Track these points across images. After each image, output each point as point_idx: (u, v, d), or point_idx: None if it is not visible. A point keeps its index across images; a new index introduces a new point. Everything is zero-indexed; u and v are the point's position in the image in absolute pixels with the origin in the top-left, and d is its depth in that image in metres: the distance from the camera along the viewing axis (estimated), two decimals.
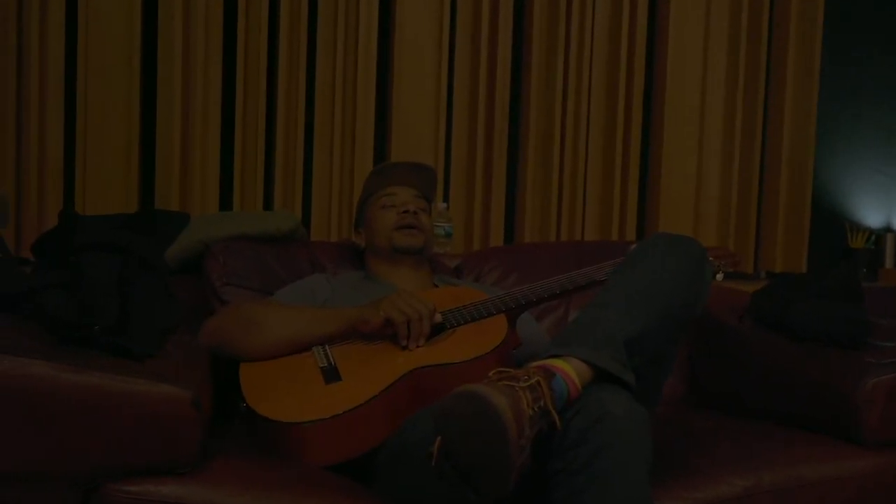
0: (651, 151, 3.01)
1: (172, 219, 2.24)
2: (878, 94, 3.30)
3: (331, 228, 2.73)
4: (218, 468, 1.38)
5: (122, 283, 1.62)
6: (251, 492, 1.33)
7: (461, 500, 1.17)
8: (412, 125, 2.82)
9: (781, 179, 3.04)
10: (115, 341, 1.43)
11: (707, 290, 1.50)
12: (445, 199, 2.81)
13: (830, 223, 3.22)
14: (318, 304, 1.84)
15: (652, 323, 1.39)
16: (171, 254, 2.10)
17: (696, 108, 2.99)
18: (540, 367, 1.25)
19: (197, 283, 2.06)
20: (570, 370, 1.27)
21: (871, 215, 3.31)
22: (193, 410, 1.32)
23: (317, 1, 2.72)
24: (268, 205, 2.71)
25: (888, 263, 3.24)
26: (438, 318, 1.63)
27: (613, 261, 1.71)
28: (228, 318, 1.71)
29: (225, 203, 2.68)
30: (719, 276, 1.75)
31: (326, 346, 1.64)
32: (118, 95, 2.59)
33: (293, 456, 1.44)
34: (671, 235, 1.53)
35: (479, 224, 2.87)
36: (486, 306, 1.68)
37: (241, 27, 2.64)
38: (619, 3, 2.92)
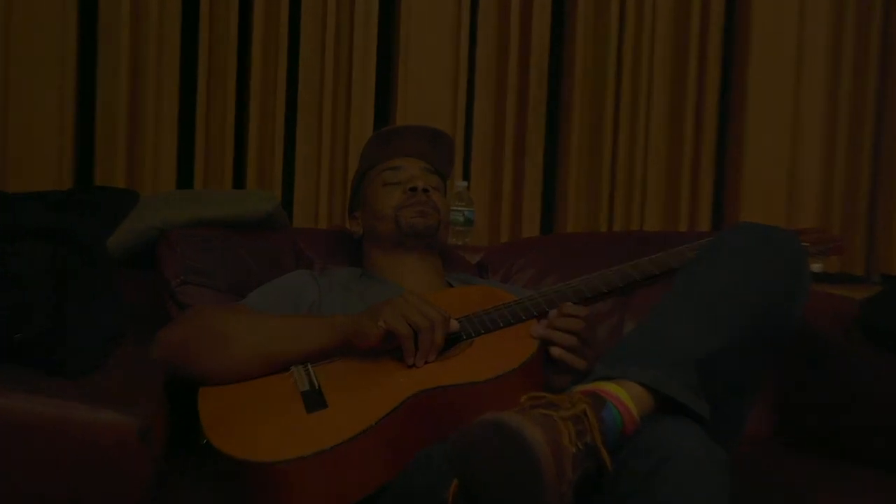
0: (731, 122, 2.99)
1: (117, 198, 2.25)
2: None
3: (319, 213, 2.73)
4: None
5: (56, 278, 1.62)
6: None
7: None
8: (423, 85, 2.81)
9: None
10: (43, 354, 1.43)
11: (805, 297, 1.49)
12: (465, 177, 2.80)
13: None
14: (303, 309, 1.85)
15: (732, 339, 1.39)
16: (116, 242, 2.11)
17: (790, 70, 2.96)
18: (587, 391, 1.25)
19: (148, 280, 2.07)
20: (625, 397, 1.27)
21: None
22: (141, 443, 1.32)
23: None
24: (238, 182, 2.71)
25: None
26: (455, 325, 1.63)
27: (695, 243, 1.70)
28: (188, 328, 1.72)
29: (184, 180, 2.68)
30: (816, 267, 1.74)
31: (308, 365, 1.64)
32: (49, 43, 2.59)
33: (269, 502, 1.44)
34: (759, 226, 1.53)
35: (509, 210, 2.86)
36: (513, 310, 1.68)
37: None
38: None
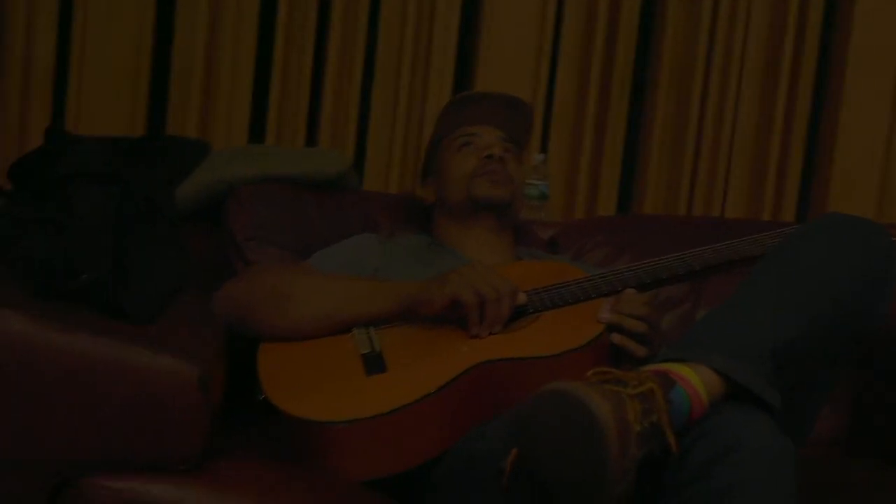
0: (825, 107, 2.94)
1: (188, 149, 2.29)
2: None
3: (390, 177, 2.74)
4: (224, 471, 1.41)
5: (119, 225, 1.66)
6: None
7: None
8: (506, 52, 2.80)
9: None
10: (107, 297, 1.47)
11: (891, 293, 1.47)
12: (543, 149, 2.80)
13: None
14: (366, 274, 1.86)
15: (811, 330, 1.38)
16: (184, 194, 2.14)
17: (890, 56, 2.91)
18: (656, 371, 1.25)
19: (215, 235, 2.10)
20: (695, 380, 1.26)
21: None
22: (200, 392, 1.35)
23: None
24: (311, 140, 2.73)
25: None
26: (523, 297, 1.64)
27: (775, 231, 1.69)
28: (251, 285, 1.75)
29: (256, 135, 2.70)
30: None
31: (370, 328, 1.66)
32: None
33: (322, 464, 1.47)
34: (847, 217, 1.52)
35: (586, 186, 2.85)
36: (583, 287, 1.68)
37: None
38: None
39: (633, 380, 1.19)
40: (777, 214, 2.88)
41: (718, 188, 2.88)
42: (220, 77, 2.67)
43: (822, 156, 2.93)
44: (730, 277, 1.68)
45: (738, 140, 2.89)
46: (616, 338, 1.57)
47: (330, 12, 2.69)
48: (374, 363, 1.57)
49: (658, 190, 2.88)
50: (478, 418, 1.50)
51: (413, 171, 2.74)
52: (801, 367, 1.38)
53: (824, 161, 2.92)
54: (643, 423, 1.15)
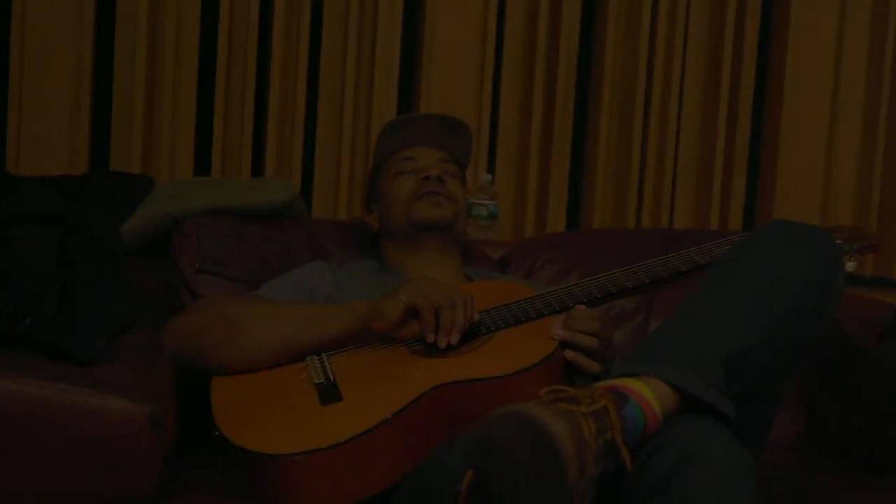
0: (766, 116, 2.98)
1: (132, 184, 2.27)
2: None
3: (338, 203, 2.74)
4: None
5: (63, 265, 1.64)
6: None
7: None
8: (448, 75, 2.81)
9: None
10: (53, 340, 1.45)
11: (839, 296, 1.48)
12: (490, 170, 2.80)
13: None
14: (318, 301, 1.85)
15: (762, 339, 1.38)
16: (130, 229, 2.12)
17: (828, 64, 2.95)
18: (608, 387, 1.25)
19: (162, 269, 2.08)
20: (648, 394, 1.27)
21: None
22: (151, 431, 1.33)
23: None
24: (257, 171, 2.72)
25: None
26: (476, 316, 1.64)
27: (722, 239, 1.70)
28: (200, 317, 1.73)
29: (201, 167, 2.69)
30: (850, 266, 1.73)
31: (323, 357, 1.65)
32: (66, 23, 2.61)
33: (281, 498, 1.45)
34: (791, 224, 1.53)
35: (534, 204, 2.86)
36: (534, 305, 1.68)
37: None
38: None
39: (587, 398, 1.19)
40: (724, 223, 2.91)
41: (665, 200, 2.90)
42: (161, 111, 2.65)
43: (766, 164, 2.96)
44: (681, 289, 1.69)
45: (683, 152, 2.92)
46: (569, 354, 1.57)
47: (270, 41, 2.69)
48: (328, 392, 1.56)
49: (606, 205, 2.90)
50: (435, 442, 1.49)
51: (360, 197, 2.73)
52: (752, 374, 1.38)
53: (768, 169, 2.95)
54: (598, 441, 1.15)
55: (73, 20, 2.61)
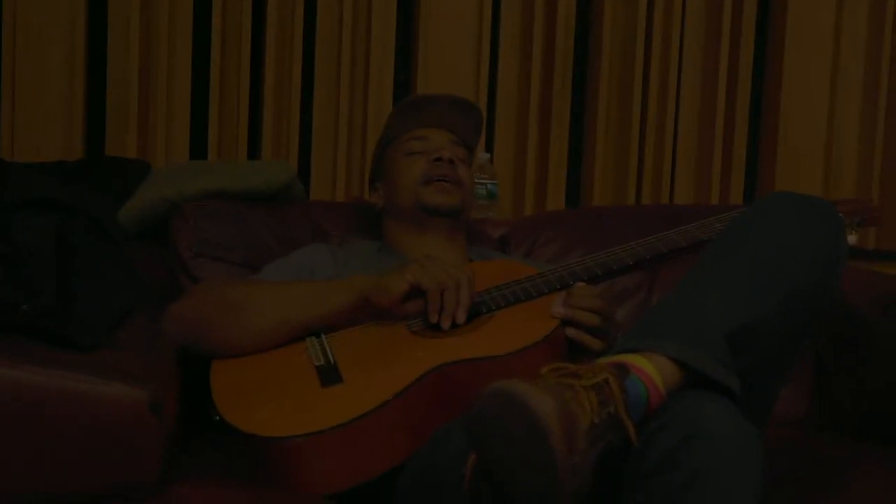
0: (766, 88, 2.97)
1: (129, 169, 2.27)
2: None
3: (336, 185, 2.73)
4: (184, 496, 1.40)
5: (62, 250, 1.64)
6: None
7: None
8: (445, 53, 2.80)
9: None
10: (52, 326, 1.45)
11: (842, 268, 1.48)
12: (488, 148, 2.80)
13: None
14: None
15: (766, 312, 1.38)
16: (127, 214, 2.13)
17: (829, 28, 2.94)
18: (611, 363, 1.25)
19: (161, 253, 2.09)
20: (650, 370, 1.26)
21: None
22: (152, 417, 1.33)
23: None
24: (254, 153, 2.72)
25: None
26: (474, 296, 1.64)
27: (723, 214, 1.70)
28: (200, 300, 1.73)
29: (197, 150, 2.68)
30: (852, 238, 1.73)
31: (323, 338, 1.66)
32: (58, 8, 2.60)
33: (284, 481, 1.46)
34: (794, 195, 1.53)
35: (533, 182, 2.85)
36: (535, 284, 1.69)
37: None
38: None
39: (587, 372, 1.19)
40: (725, 198, 2.91)
41: (665, 176, 2.90)
42: (156, 94, 2.64)
43: (767, 136, 2.95)
44: (683, 265, 1.69)
45: (683, 126, 2.91)
46: (571, 332, 1.58)
47: (265, 22, 2.68)
48: (329, 374, 1.56)
49: (606, 182, 2.89)
50: (438, 422, 1.49)
51: (359, 178, 2.73)
52: (757, 348, 1.38)
53: (769, 142, 2.95)
54: (600, 414, 1.15)
55: (66, 5, 2.60)
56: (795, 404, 2.08)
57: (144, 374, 1.41)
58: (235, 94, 2.68)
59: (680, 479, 1.19)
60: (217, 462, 1.55)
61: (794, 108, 2.94)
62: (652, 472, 1.21)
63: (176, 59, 2.66)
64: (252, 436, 1.46)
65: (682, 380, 1.29)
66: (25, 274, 1.55)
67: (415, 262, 1.64)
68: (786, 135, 2.93)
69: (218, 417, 1.52)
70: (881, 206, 2.84)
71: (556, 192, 2.86)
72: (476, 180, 2.48)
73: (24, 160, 2.43)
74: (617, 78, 2.88)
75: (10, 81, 2.58)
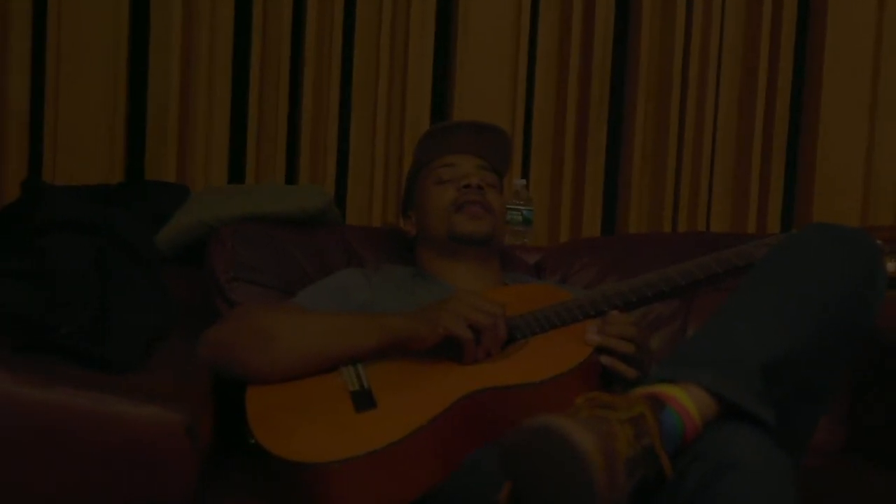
0: (804, 115, 2.96)
1: (167, 193, 2.29)
2: None
3: (373, 210, 2.74)
4: None
5: (99, 273, 1.65)
6: None
7: None
8: (482, 79, 2.81)
9: None
10: (88, 348, 1.46)
11: (881, 298, 1.47)
12: (524, 174, 2.80)
13: None
14: (353, 309, 1.86)
15: (802, 343, 1.37)
16: (165, 237, 2.14)
17: (867, 56, 2.93)
18: (646, 394, 1.24)
19: (197, 276, 2.10)
20: (686, 401, 1.26)
21: None
22: (187, 440, 1.34)
23: None
24: (291, 178, 2.73)
25: None
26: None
27: (759, 241, 1.68)
28: (236, 328, 1.73)
29: (235, 174, 2.70)
30: (891, 266, 1.71)
31: (357, 364, 1.65)
32: (100, 34, 2.63)
33: None
34: (831, 226, 1.52)
35: (569, 209, 2.85)
36: (569, 310, 1.68)
37: None
38: None
39: (623, 404, 1.19)
40: (762, 226, 2.89)
41: (702, 203, 2.88)
42: (196, 119, 2.66)
43: (804, 164, 2.93)
44: (719, 293, 1.67)
45: (719, 153, 2.90)
46: (605, 359, 1.56)
47: (303, 48, 2.70)
48: (363, 400, 1.56)
49: (642, 208, 2.88)
50: (472, 448, 1.49)
51: (395, 203, 2.74)
52: (793, 379, 1.37)
53: (806, 169, 2.93)
54: (635, 447, 1.14)
55: (108, 30, 2.63)
56: (832, 434, 2.06)
57: (179, 397, 1.41)
58: (274, 119, 2.70)
59: None
60: (248, 485, 1.55)
61: (832, 135, 2.92)
62: (686, 502, 1.20)
63: (215, 85, 2.68)
64: (287, 461, 1.45)
65: (718, 410, 1.28)
66: (62, 295, 1.57)
67: (447, 307, 1.61)
68: (824, 162, 2.91)
69: (253, 441, 1.52)
70: None
71: (591, 218, 2.86)
72: (512, 206, 2.47)
73: (66, 183, 2.46)
74: (653, 104, 2.88)
75: (53, 106, 2.61)
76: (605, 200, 2.88)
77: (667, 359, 1.37)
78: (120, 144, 2.65)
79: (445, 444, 1.48)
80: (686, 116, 2.87)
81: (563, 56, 2.84)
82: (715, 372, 1.29)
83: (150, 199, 2.24)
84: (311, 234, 2.19)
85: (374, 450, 1.43)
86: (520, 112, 2.81)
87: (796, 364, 1.37)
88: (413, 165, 2.11)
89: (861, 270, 1.45)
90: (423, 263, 2.04)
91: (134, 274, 1.74)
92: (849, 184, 2.93)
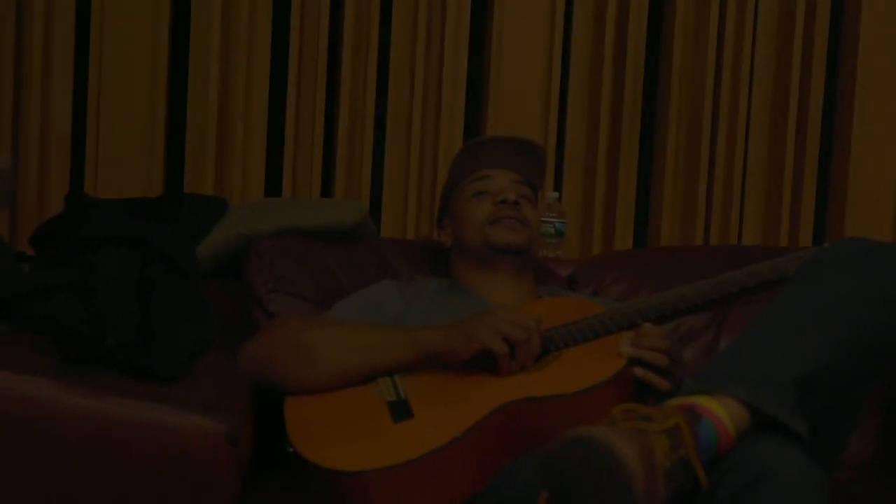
0: (836, 129, 2.95)
1: (206, 206, 2.31)
2: None
3: (407, 223, 2.76)
4: None
5: (142, 286, 1.68)
6: None
7: None
8: (515, 94, 2.82)
9: None
10: (133, 359, 1.48)
11: None
12: (557, 188, 2.81)
13: None
14: (388, 321, 1.87)
15: (836, 357, 1.38)
16: (205, 251, 2.16)
17: None
18: (682, 406, 1.25)
19: (236, 289, 2.12)
20: (721, 413, 1.27)
21: None
22: (229, 449, 1.36)
23: None
24: (327, 192, 2.75)
25: None
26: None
27: (794, 255, 1.68)
28: (274, 341, 1.75)
29: (272, 188, 2.73)
30: None
31: (394, 375, 1.67)
32: (140, 51, 2.66)
33: None
34: (865, 241, 1.52)
35: (601, 222, 2.85)
36: (603, 322, 1.68)
37: None
38: None
39: (659, 415, 1.20)
40: (794, 240, 2.88)
41: (734, 217, 2.88)
42: (234, 133, 2.69)
43: (837, 178, 2.93)
44: (751, 306, 1.68)
45: (752, 167, 2.89)
46: (639, 371, 1.57)
47: (340, 63, 2.72)
48: (400, 410, 1.58)
49: (673, 222, 2.88)
50: (508, 458, 1.50)
51: (429, 217, 2.75)
52: (827, 393, 1.37)
53: (839, 183, 2.92)
54: (671, 458, 1.15)
55: (148, 46, 2.66)
56: (865, 448, 2.05)
57: (221, 407, 1.43)
58: (310, 133, 2.72)
59: None
60: (289, 494, 1.56)
61: (865, 149, 2.90)
62: None
63: (252, 99, 2.71)
64: (325, 469, 1.47)
65: (752, 422, 1.29)
66: (108, 308, 1.59)
67: (482, 321, 1.62)
68: (856, 176, 2.90)
69: (291, 449, 1.54)
70: None
71: (623, 231, 2.86)
72: (545, 219, 2.48)
73: (107, 196, 2.48)
74: (685, 118, 2.88)
75: (95, 121, 2.65)
76: (636, 213, 2.88)
77: (702, 371, 1.38)
78: (159, 159, 2.68)
79: (481, 455, 1.49)
80: (718, 130, 2.87)
81: (596, 70, 2.85)
82: (749, 385, 1.30)
83: (190, 212, 2.27)
84: (347, 248, 2.21)
85: (412, 459, 1.45)
86: (552, 126, 2.82)
87: (829, 378, 1.37)
88: (449, 178, 2.11)
89: (894, 285, 1.45)
90: (457, 275, 2.05)
91: (175, 287, 1.77)
92: (881, 197, 2.92)
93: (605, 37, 2.82)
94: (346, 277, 2.14)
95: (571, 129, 2.85)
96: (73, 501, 1.35)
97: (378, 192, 2.76)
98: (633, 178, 2.86)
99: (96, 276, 1.65)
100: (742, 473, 1.22)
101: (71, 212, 2.04)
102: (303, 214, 2.25)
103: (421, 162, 2.76)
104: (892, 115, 2.91)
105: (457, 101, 2.78)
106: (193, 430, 1.36)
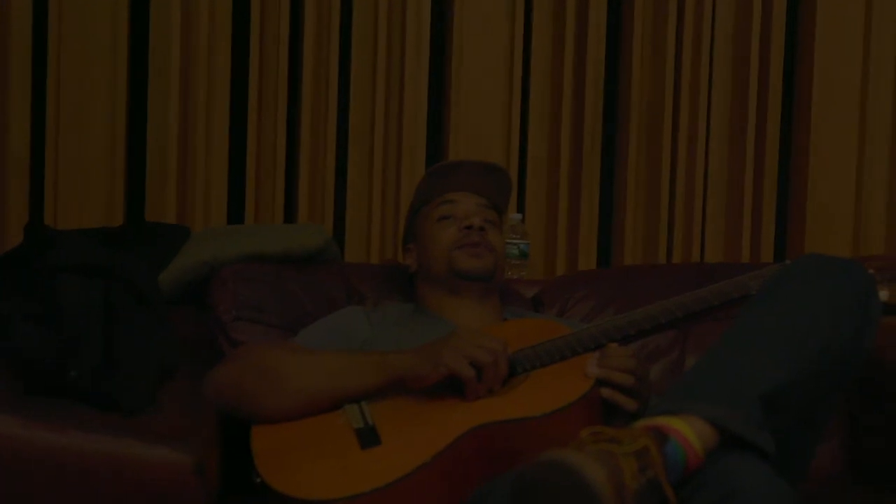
0: (794, 146, 2.98)
1: (168, 234, 2.30)
2: None
3: (371, 247, 2.75)
4: None
5: (106, 315, 1.67)
6: None
7: None
8: (477, 117, 2.82)
9: None
10: (97, 390, 1.47)
11: (875, 327, 1.49)
12: (520, 209, 2.81)
13: None
14: (354, 346, 1.87)
15: (799, 373, 1.39)
16: (168, 278, 2.15)
17: (855, 87, 2.95)
18: (649, 427, 1.26)
19: (200, 316, 2.10)
20: (688, 432, 1.27)
21: None
22: (197, 479, 1.34)
23: None
24: (289, 217, 2.74)
25: None
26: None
27: (756, 272, 1.70)
28: (240, 368, 1.74)
29: (234, 215, 2.71)
30: (883, 294, 1.73)
31: (361, 402, 1.66)
32: (99, 78, 2.65)
33: None
34: (824, 257, 1.54)
35: (564, 242, 2.86)
36: (569, 344, 1.69)
37: None
38: None
39: (627, 438, 1.20)
40: (756, 256, 2.89)
41: (696, 234, 2.89)
42: (195, 161, 2.67)
43: (796, 194, 2.95)
44: (716, 324, 1.70)
45: (712, 185, 2.91)
46: (605, 392, 1.58)
47: (300, 89, 2.72)
48: (368, 437, 1.57)
49: (636, 240, 2.90)
50: (476, 482, 1.50)
51: (392, 241, 2.75)
52: (791, 407, 1.39)
53: (798, 199, 2.94)
54: (640, 480, 1.16)
55: (107, 75, 2.64)
56: (829, 460, 2.07)
57: (188, 438, 1.42)
58: (272, 159, 2.71)
59: None
60: None
61: (822, 165, 2.93)
62: None
63: (213, 126, 2.69)
64: (293, 499, 1.46)
65: (719, 440, 1.30)
66: (72, 338, 1.58)
67: (448, 345, 1.62)
68: (815, 192, 2.93)
69: (259, 480, 1.53)
70: None
71: (587, 251, 2.87)
72: (508, 240, 2.49)
73: (67, 226, 2.47)
74: (646, 138, 2.89)
75: (53, 149, 2.62)
76: (599, 232, 2.89)
77: (668, 391, 1.39)
78: (120, 187, 2.66)
79: (450, 480, 1.49)
80: (678, 150, 2.89)
81: (556, 92, 2.86)
82: (715, 404, 1.31)
83: (152, 240, 2.26)
84: (311, 273, 2.21)
85: (380, 486, 1.45)
86: (514, 147, 2.83)
87: (794, 393, 1.38)
88: (414, 201, 2.12)
89: (855, 300, 1.47)
90: (422, 299, 2.05)
91: (139, 315, 1.76)
92: (839, 212, 2.95)
93: (564, 58, 2.83)
94: (311, 303, 2.13)
95: (533, 150, 2.86)
96: None
97: (341, 216, 2.75)
98: (596, 198, 2.87)
99: (60, 305, 1.63)
100: (711, 492, 1.23)
101: (30, 242, 2.02)
102: (265, 240, 2.25)
103: (383, 185, 2.76)
104: (848, 131, 2.94)
105: (418, 125, 2.78)
106: (160, 461, 1.35)
